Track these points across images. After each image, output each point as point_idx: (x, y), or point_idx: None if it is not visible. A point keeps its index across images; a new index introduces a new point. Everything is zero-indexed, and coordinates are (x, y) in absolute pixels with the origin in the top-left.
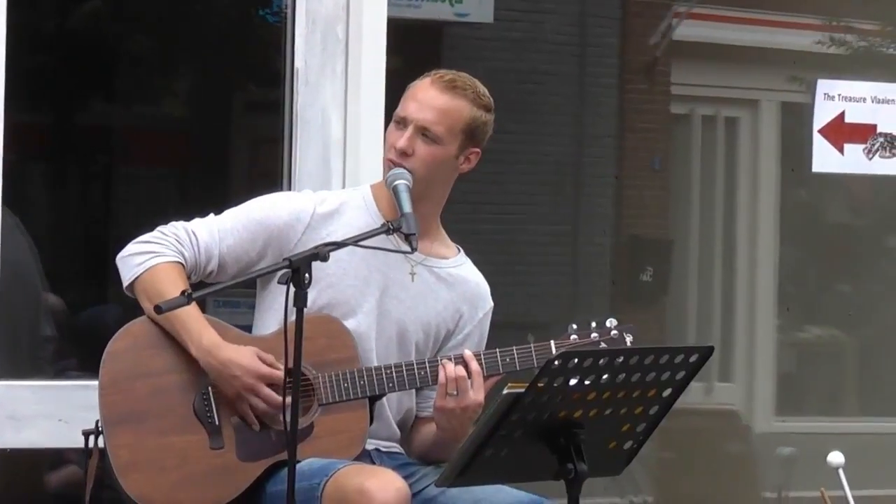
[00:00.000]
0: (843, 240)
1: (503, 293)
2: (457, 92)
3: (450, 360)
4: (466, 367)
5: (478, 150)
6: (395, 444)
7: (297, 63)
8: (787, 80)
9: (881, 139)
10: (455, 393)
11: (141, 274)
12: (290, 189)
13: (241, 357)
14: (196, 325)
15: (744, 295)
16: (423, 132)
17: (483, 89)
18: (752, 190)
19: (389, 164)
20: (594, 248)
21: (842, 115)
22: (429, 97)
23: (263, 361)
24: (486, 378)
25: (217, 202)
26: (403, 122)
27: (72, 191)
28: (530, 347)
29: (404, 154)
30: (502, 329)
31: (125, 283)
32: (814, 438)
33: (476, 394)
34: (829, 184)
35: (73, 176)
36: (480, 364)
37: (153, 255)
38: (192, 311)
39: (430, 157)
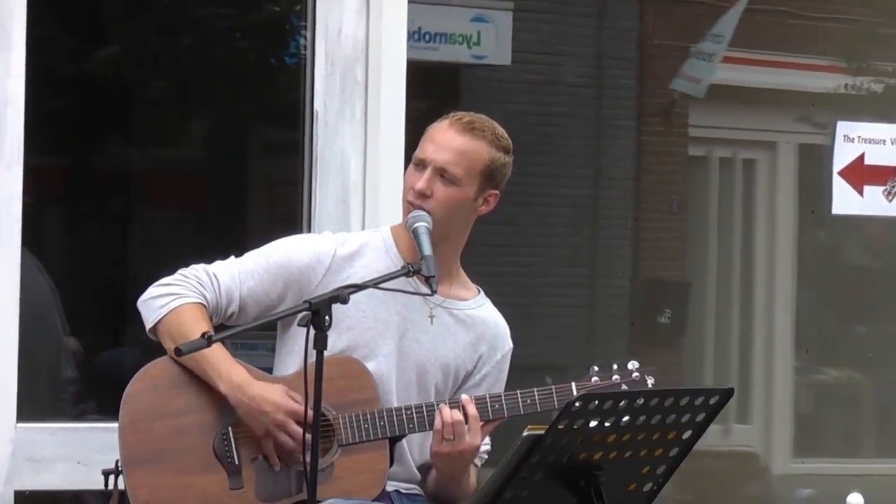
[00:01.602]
0: (860, 282)
1: (521, 335)
2: (475, 134)
3: (446, 404)
4: (464, 411)
5: (496, 192)
6: (415, 486)
7: (317, 105)
8: (804, 123)
9: None
10: (451, 438)
11: (164, 316)
12: (309, 231)
13: (271, 393)
14: (225, 364)
15: (761, 337)
16: (442, 174)
17: (501, 131)
18: (769, 232)
19: (409, 205)
20: (612, 290)
21: (861, 156)
22: (447, 139)
23: (292, 399)
24: (493, 421)
25: (235, 244)
26: (422, 164)
27: (89, 233)
28: (551, 389)
29: (423, 195)
30: (520, 371)
31: (148, 326)
32: (832, 480)
33: (472, 438)
34: (846, 226)
35: (90, 218)
36: (487, 405)
37: (175, 297)
38: (217, 350)
39: (449, 198)
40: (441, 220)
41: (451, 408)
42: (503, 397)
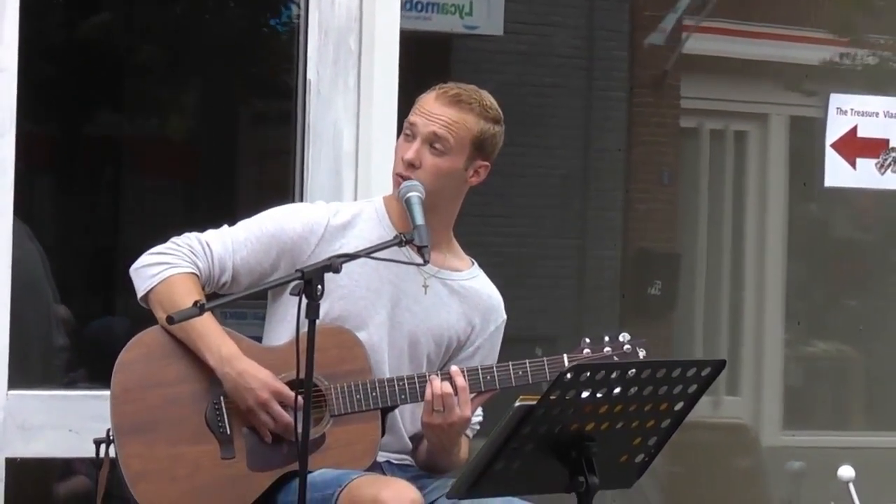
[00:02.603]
0: (851, 254)
1: (511, 307)
2: (462, 106)
3: (437, 376)
4: (453, 382)
5: (487, 163)
6: (406, 457)
7: (310, 75)
8: (796, 94)
9: (893, 154)
10: (441, 409)
11: (155, 285)
12: (301, 201)
13: (257, 370)
14: (214, 336)
15: (752, 309)
16: (431, 143)
17: (490, 101)
18: (760, 204)
19: (398, 177)
20: (602, 261)
21: (854, 129)
22: (435, 110)
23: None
24: (484, 393)
25: (226, 213)
26: (412, 134)
27: (80, 202)
28: (543, 361)
29: (412, 166)
30: (510, 343)
31: (139, 294)
32: (822, 452)
33: (462, 410)
34: (837, 198)
35: (81, 187)
36: (479, 377)
37: (168, 266)
38: (208, 321)
39: (438, 168)
40: (431, 190)
41: (442, 379)
42: (495, 369)
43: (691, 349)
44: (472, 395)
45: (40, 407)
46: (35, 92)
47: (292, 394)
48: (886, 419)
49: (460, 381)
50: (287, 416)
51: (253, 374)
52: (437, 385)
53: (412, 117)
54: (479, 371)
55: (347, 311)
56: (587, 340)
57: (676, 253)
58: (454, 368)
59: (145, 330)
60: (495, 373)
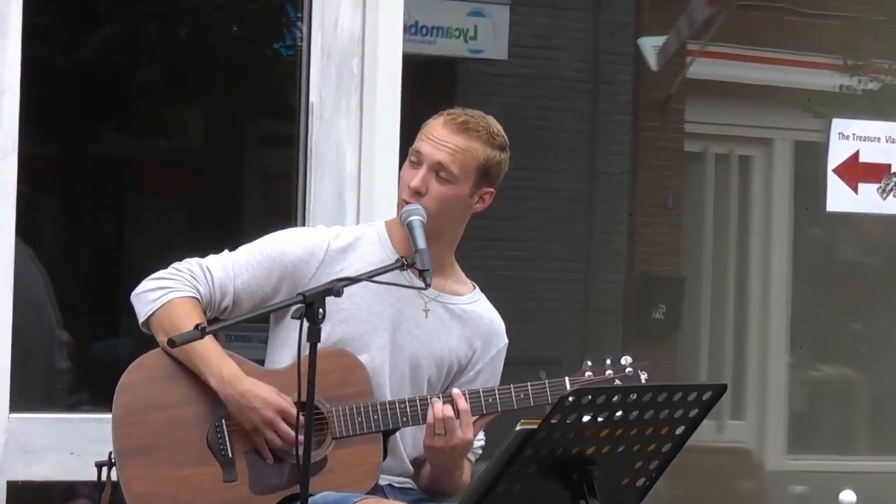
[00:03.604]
0: (855, 278)
1: (514, 330)
2: (469, 133)
3: (439, 398)
4: (455, 405)
5: (492, 189)
6: (408, 480)
7: (312, 97)
8: (800, 119)
9: (895, 179)
10: (443, 432)
11: (157, 310)
12: (303, 224)
13: (260, 389)
14: (215, 357)
15: (756, 333)
16: (437, 171)
17: (497, 129)
18: (764, 228)
19: (403, 203)
20: (606, 285)
21: (856, 154)
22: (442, 137)
23: (283, 398)
24: (486, 416)
25: (229, 235)
26: (418, 161)
27: (83, 223)
28: (544, 383)
29: (417, 193)
30: (514, 365)
31: (141, 319)
32: (826, 477)
33: (464, 433)
34: (841, 222)
35: (84, 208)
36: (481, 399)
37: (168, 291)
38: (209, 343)
39: (443, 196)
40: (435, 216)
41: (444, 402)
42: (497, 391)
43: (696, 373)
44: (474, 417)
45: (42, 430)
46: (38, 113)
47: (295, 410)
48: (890, 443)
49: (462, 403)
50: (292, 433)
51: (256, 393)
52: (439, 408)
53: (418, 144)
54: (481, 393)
55: (349, 335)
56: (589, 363)
57: (681, 276)
58: (456, 391)
59: (147, 353)
60: (497, 395)
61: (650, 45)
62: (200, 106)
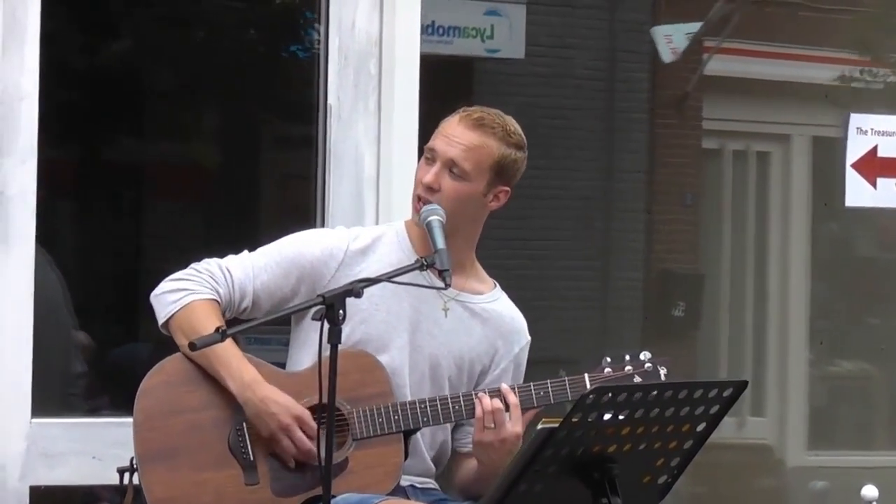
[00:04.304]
0: (873, 274)
1: (532, 329)
2: (485, 130)
3: (486, 393)
4: (504, 399)
5: (507, 188)
6: (429, 481)
7: (330, 99)
8: (818, 115)
9: None
10: (492, 426)
11: (176, 311)
12: (322, 225)
13: (279, 395)
14: (235, 361)
15: (775, 329)
16: (451, 168)
17: (514, 127)
18: (783, 224)
19: (417, 199)
20: (625, 282)
21: (874, 149)
22: (457, 134)
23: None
24: (523, 411)
25: (247, 239)
26: (432, 158)
27: (102, 227)
28: (564, 381)
29: (431, 189)
30: (533, 364)
31: (160, 321)
32: (846, 472)
33: (514, 426)
34: (859, 218)
35: (103, 212)
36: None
37: (188, 293)
38: (229, 347)
39: (457, 193)
40: (450, 214)
41: (492, 397)
42: (517, 390)
43: (715, 370)
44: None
45: (63, 435)
46: (56, 118)
47: (313, 422)
48: None
49: (512, 397)
50: (308, 442)
51: (275, 399)
52: (487, 402)
53: (433, 141)
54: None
55: (368, 335)
56: (608, 360)
57: (699, 274)
58: (504, 386)
59: (167, 357)
60: (516, 394)
61: (662, 35)
62: (218, 109)
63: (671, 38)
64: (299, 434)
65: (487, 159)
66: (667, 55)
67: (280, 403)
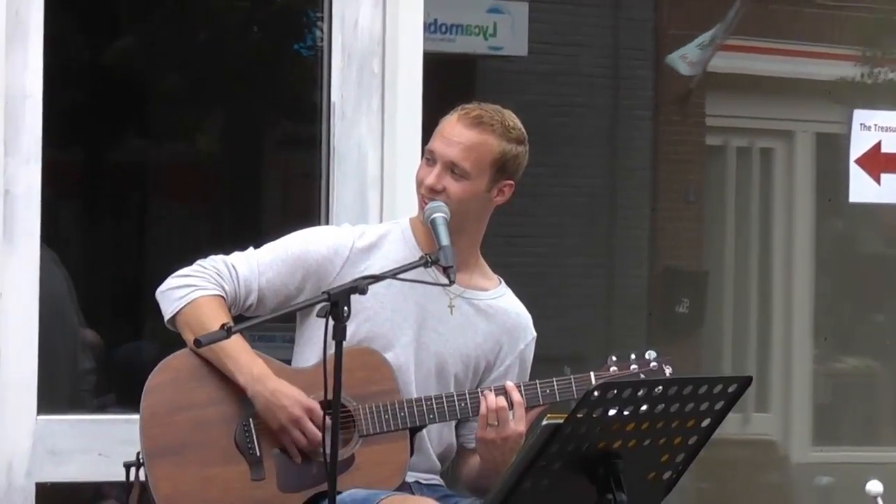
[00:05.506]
0: (878, 270)
1: (538, 326)
2: (483, 127)
3: (491, 391)
4: (508, 397)
5: (511, 182)
6: (435, 477)
7: (334, 98)
8: (821, 111)
9: None
10: (496, 424)
11: (182, 307)
12: (327, 224)
13: (289, 388)
14: (244, 356)
15: (780, 325)
16: (452, 168)
17: (513, 121)
18: (787, 220)
19: (422, 199)
20: (629, 280)
21: (878, 145)
22: (455, 133)
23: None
24: (527, 409)
25: (251, 237)
26: (432, 159)
27: (106, 227)
28: (570, 378)
29: (433, 191)
30: (538, 362)
31: (167, 317)
32: (851, 468)
33: (517, 425)
34: (864, 214)
35: (106, 212)
36: (521, 395)
37: (194, 289)
38: (237, 342)
39: (460, 192)
40: (455, 213)
41: (497, 394)
42: (523, 387)
43: (719, 366)
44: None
45: (70, 431)
46: (60, 118)
47: (322, 411)
48: None
49: (516, 396)
50: (319, 434)
51: (285, 392)
52: (492, 400)
53: (432, 142)
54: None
55: (373, 333)
56: (613, 358)
57: (704, 270)
58: (509, 384)
59: (173, 354)
60: (522, 391)
61: (677, 58)
62: (221, 109)
63: (686, 56)
64: (310, 425)
65: (488, 156)
66: (686, 69)
67: (290, 396)
